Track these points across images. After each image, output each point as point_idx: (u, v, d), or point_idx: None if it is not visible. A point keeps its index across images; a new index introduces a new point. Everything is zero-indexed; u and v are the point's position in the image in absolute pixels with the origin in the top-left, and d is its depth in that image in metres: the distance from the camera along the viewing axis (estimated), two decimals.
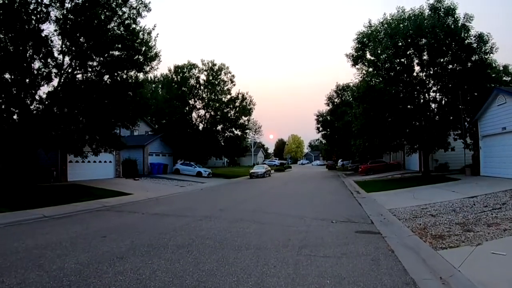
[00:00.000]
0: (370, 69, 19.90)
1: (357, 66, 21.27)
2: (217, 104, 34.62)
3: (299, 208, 10.88)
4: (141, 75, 19.84)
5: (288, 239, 6.67)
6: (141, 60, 18.01)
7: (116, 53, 17.40)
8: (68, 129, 16.38)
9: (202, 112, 35.59)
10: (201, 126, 35.55)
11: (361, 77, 18.88)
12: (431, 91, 20.26)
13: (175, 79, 34.55)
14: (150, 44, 18.47)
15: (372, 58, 19.90)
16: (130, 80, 18.69)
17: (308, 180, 28.71)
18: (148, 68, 18.29)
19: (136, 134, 38.58)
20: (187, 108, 34.00)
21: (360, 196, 14.54)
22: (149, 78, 70.22)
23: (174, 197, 16.47)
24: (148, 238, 7.00)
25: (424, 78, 20.00)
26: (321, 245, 6.13)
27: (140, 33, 17.85)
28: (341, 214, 9.60)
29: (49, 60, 16.17)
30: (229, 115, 34.83)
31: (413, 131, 19.90)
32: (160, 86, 46.01)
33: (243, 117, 35.58)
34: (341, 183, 23.16)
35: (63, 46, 16.36)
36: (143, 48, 18.24)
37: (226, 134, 36.00)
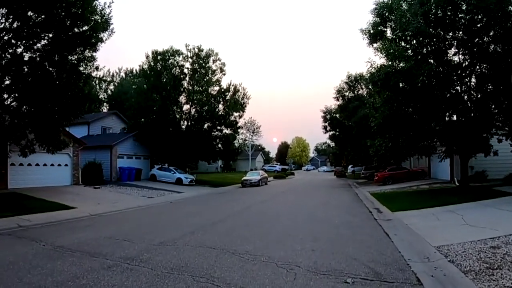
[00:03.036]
0: (392, 50, 16.44)
1: (374, 45, 17.83)
2: (204, 98, 31.09)
3: (291, 244, 7.28)
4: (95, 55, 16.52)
5: None
6: (88, 31, 14.69)
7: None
8: None
9: (186, 107, 32.12)
10: (185, 124, 32.03)
11: (383, 55, 15.32)
12: (471, 77, 16.78)
13: (154, 66, 31.07)
14: (103, 12, 15.20)
15: (396, 33, 16.44)
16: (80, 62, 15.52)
17: (311, 190, 25.05)
18: (97, 41, 14.84)
19: (109, 133, 35.26)
20: (168, 102, 30.39)
21: (383, 218, 10.94)
22: (135, 71, 67.38)
23: (124, 214, 13.09)
24: None
25: (461, 61, 16.58)
26: None
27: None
28: (360, 258, 6.05)
29: None
30: (217, 111, 31.25)
31: (447, 128, 16.40)
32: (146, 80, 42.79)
33: (234, 113, 32.04)
34: (354, 196, 19.48)
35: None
36: (94, 17, 14.98)
37: (214, 134, 32.45)
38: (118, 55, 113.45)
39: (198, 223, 10.05)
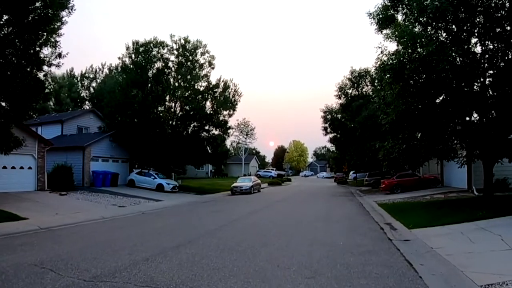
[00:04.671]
0: (406, 36, 14.82)
1: (384, 32, 16.24)
2: (192, 95, 29.23)
3: (279, 283, 5.36)
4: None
5: None
6: (44, 8, 12.96)
7: None
8: None
9: (171, 105, 30.22)
10: (169, 124, 30.12)
11: (396, 40, 13.64)
12: (498, 69, 15.17)
13: (135, 59, 29.23)
14: None
15: (410, 17, 14.79)
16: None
17: (309, 200, 23.22)
18: (54, 18, 13.09)
19: (85, 133, 33.27)
20: (150, 99, 28.43)
21: (400, 238, 9.10)
22: (119, 68, 65.12)
23: (80, 228, 11.36)
24: None
25: (483, 51, 14.99)
26: None
27: None
28: None
29: None
30: (204, 109, 29.43)
31: (469, 129, 14.73)
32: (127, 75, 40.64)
33: (224, 111, 30.25)
34: (359, 207, 17.66)
35: None
36: None
37: (202, 135, 30.61)
38: (106, 51, 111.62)
39: (160, 245, 8.13)
